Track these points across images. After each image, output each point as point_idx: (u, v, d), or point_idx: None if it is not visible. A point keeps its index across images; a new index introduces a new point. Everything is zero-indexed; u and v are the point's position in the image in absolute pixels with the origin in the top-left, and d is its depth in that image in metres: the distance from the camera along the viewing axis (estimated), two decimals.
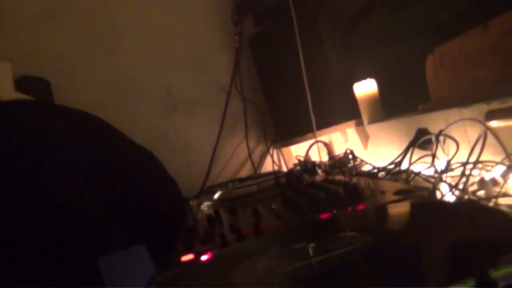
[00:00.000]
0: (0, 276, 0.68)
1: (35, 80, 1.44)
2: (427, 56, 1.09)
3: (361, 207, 0.63)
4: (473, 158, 0.79)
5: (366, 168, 1.16)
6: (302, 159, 1.35)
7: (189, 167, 1.64)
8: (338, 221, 0.56)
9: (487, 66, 0.86)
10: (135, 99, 1.66)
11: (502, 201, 0.70)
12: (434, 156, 0.88)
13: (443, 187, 0.79)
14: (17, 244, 0.70)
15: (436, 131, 0.92)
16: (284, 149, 1.71)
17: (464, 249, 0.33)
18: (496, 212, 0.45)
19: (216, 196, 1.10)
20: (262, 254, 0.44)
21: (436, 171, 0.86)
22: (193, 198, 1.32)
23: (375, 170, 1.05)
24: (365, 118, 1.33)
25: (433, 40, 1.18)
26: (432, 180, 0.82)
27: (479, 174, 0.78)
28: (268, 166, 1.72)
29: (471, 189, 0.76)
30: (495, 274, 0.24)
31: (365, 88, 1.33)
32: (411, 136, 0.98)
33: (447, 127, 0.90)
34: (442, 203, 0.61)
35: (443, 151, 0.91)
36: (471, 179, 0.77)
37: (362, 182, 0.74)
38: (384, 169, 1.01)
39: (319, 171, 1.07)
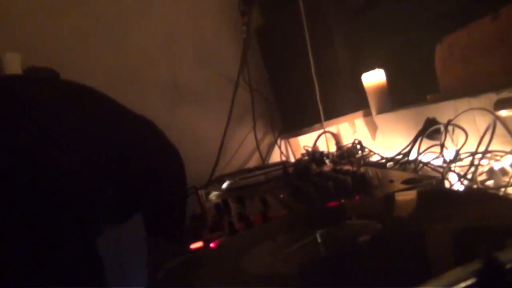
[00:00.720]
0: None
1: (44, 70, 1.45)
2: (436, 45, 1.09)
3: (368, 195, 0.63)
4: (482, 148, 0.79)
5: (374, 158, 1.15)
6: (310, 149, 1.35)
7: (197, 158, 1.65)
8: (346, 209, 0.57)
9: (496, 55, 0.85)
10: (142, 90, 1.66)
11: (511, 190, 0.69)
12: (442, 146, 0.88)
13: (452, 177, 0.79)
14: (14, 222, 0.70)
15: (445, 121, 0.92)
16: (292, 140, 1.71)
17: (471, 233, 0.33)
18: (503, 199, 0.45)
19: (224, 186, 1.10)
20: (270, 241, 0.44)
21: (444, 161, 0.86)
22: (201, 188, 1.33)
23: (383, 161, 1.05)
24: (373, 108, 1.33)
25: (442, 29, 1.17)
26: (441, 170, 0.82)
27: (488, 163, 0.78)
28: (276, 157, 1.72)
29: (480, 178, 0.76)
30: (502, 256, 0.24)
31: (374, 78, 1.32)
32: (419, 127, 0.98)
33: (456, 117, 0.90)
34: (450, 191, 0.61)
35: (452, 141, 0.90)
36: (480, 169, 0.77)
37: (370, 171, 0.74)
38: (392, 159, 1.01)
39: (327, 161, 1.07)
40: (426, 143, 0.94)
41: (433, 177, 0.68)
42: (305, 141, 1.59)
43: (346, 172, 0.80)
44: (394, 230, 0.40)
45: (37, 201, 0.68)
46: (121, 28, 1.62)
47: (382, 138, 1.33)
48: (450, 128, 0.90)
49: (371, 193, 0.66)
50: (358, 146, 1.13)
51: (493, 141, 0.78)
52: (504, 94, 0.79)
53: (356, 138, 1.27)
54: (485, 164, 0.78)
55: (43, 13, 1.53)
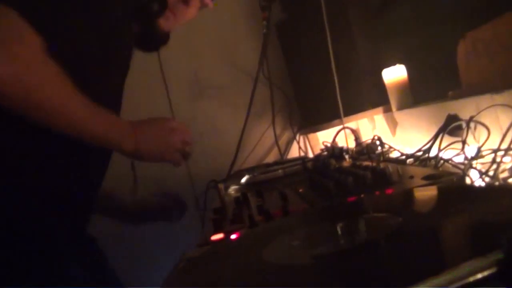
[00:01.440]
0: None
1: None
2: (459, 41, 1.07)
3: (389, 191, 0.64)
4: (504, 145, 0.78)
5: (394, 154, 1.15)
6: (329, 145, 1.35)
7: (217, 151, 1.66)
8: (365, 204, 0.57)
9: None
10: (163, 83, 1.68)
11: None
12: (464, 142, 0.87)
13: (473, 174, 0.78)
14: None
15: (467, 117, 0.91)
16: (311, 135, 1.71)
17: (491, 226, 0.33)
18: None
19: (243, 180, 1.11)
20: (290, 234, 0.45)
21: (466, 158, 0.85)
22: (220, 182, 1.34)
23: (403, 157, 1.04)
24: (393, 104, 1.32)
25: (465, 24, 1.15)
26: (462, 166, 0.81)
27: (511, 161, 0.77)
28: (294, 152, 1.73)
29: (502, 176, 0.75)
30: None
31: (394, 74, 1.31)
32: (440, 123, 0.97)
33: (478, 113, 0.89)
34: (470, 187, 0.60)
35: (474, 137, 0.89)
36: (502, 166, 0.76)
37: (390, 167, 0.74)
38: (412, 155, 1.01)
39: (346, 157, 1.07)
40: (447, 139, 0.93)
41: (454, 173, 0.68)
42: (324, 137, 1.59)
43: (366, 168, 0.80)
44: (414, 223, 0.40)
45: None
46: None
47: (402, 134, 1.32)
48: (472, 124, 0.89)
49: (391, 188, 0.66)
50: (378, 142, 1.12)
51: None
52: None
53: (376, 134, 1.26)
54: (508, 162, 0.77)
55: None
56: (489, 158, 0.81)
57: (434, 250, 0.31)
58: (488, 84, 0.92)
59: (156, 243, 1.61)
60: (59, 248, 0.76)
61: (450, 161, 0.87)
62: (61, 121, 0.70)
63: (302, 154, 1.70)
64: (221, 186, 0.92)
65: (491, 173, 0.76)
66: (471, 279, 0.24)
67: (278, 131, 1.72)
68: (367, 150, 1.12)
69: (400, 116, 1.31)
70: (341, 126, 1.38)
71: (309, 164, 1.06)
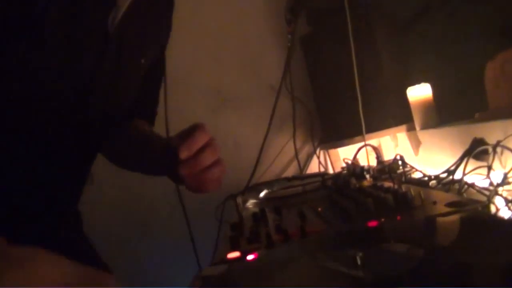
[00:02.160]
0: None
1: None
2: (487, 62, 1.05)
3: (410, 216, 0.62)
4: None
5: (416, 175, 1.13)
6: (349, 162, 1.34)
7: (236, 163, 1.66)
8: (386, 230, 0.56)
9: None
10: (187, 93, 1.70)
11: None
12: (490, 167, 0.85)
13: (498, 201, 0.76)
14: None
15: (493, 141, 0.88)
16: (331, 151, 1.69)
17: None
18: None
19: (262, 194, 1.11)
20: (308, 258, 0.44)
21: (491, 184, 0.83)
22: (238, 194, 1.34)
23: (426, 178, 1.02)
24: (417, 123, 1.30)
25: (494, 45, 1.13)
26: (487, 192, 0.79)
27: None
28: (314, 166, 1.71)
29: None
30: None
31: (419, 93, 1.29)
32: (465, 145, 0.95)
33: (505, 138, 0.86)
34: (497, 219, 0.58)
35: (500, 163, 0.87)
36: None
37: (412, 190, 0.73)
38: (435, 177, 0.99)
39: (367, 176, 1.06)
40: (472, 163, 0.91)
41: (479, 201, 0.66)
42: (344, 153, 1.57)
43: (387, 190, 0.78)
44: (437, 258, 0.39)
45: None
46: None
47: (425, 155, 1.29)
48: (498, 149, 0.87)
49: (412, 213, 0.65)
50: (400, 162, 1.10)
51: None
52: None
53: (398, 152, 1.24)
54: None
55: None
56: None
57: None
58: None
59: (173, 251, 1.62)
60: None
61: (474, 186, 0.85)
62: None
63: (322, 169, 1.69)
64: (239, 200, 0.92)
65: None
66: None
67: (298, 145, 1.71)
68: (388, 170, 1.10)
69: (423, 135, 1.29)
70: (362, 143, 1.37)
71: (329, 182, 1.04)
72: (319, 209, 0.82)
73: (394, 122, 1.42)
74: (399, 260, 0.37)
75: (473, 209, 0.61)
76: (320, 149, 1.72)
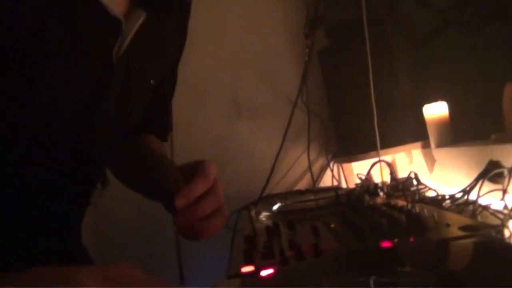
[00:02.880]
0: None
1: None
2: (507, 83, 1.05)
3: (423, 238, 0.63)
4: None
5: (429, 193, 1.13)
6: (363, 177, 1.35)
7: (250, 173, 1.68)
8: (399, 252, 0.57)
9: None
10: (203, 102, 1.72)
11: None
12: (505, 191, 0.85)
13: None
14: None
15: (509, 164, 0.88)
16: (345, 165, 1.70)
17: None
18: None
19: (275, 207, 1.12)
20: (322, 279, 0.45)
21: (505, 207, 0.83)
22: (251, 204, 1.36)
23: (439, 197, 1.02)
24: (432, 141, 1.30)
25: None
26: (501, 216, 0.79)
27: None
28: (327, 180, 1.72)
29: None
30: None
31: (436, 111, 1.29)
32: (480, 166, 0.95)
33: None
34: (510, 247, 0.59)
35: None
36: None
37: (426, 211, 0.73)
38: (450, 197, 0.99)
39: (381, 193, 1.07)
40: (487, 185, 0.91)
41: (494, 226, 0.66)
42: (358, 167, 1.57)
43: (401, 210, 0.79)
44: (450, 284, 0.40)
45: None
46: (187, 42, 1.69)
47: (440, 172, 1.29)
48: None
49: (425, 235, 0.65)
50: (414, 181, 1.11)
51: None
52: None
53: (412, 170, 1.25)
54: None
55: None
56: None
57: None
58: None
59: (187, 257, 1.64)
60: None
61: (489, 209, 0.85)
62: None
63: (335, 183, 1.70)
64: (253, 213, 0.93)
65: None
66: None
67: (312, 158, 1.72)
68: (402, 187, 1.10)
69: (438, 153, 1.29)
70: (377, 159, 1.37)
71: (343, 198, 1.05)
72: (332, 225, 0.83)
73: (409, 138, 1.42)
74: (411, 283, 0.38)
75: (486, 234, 0.61)
76: (334, 162, 1.73)
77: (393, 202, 0.92)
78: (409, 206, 0.83)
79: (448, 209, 0.93)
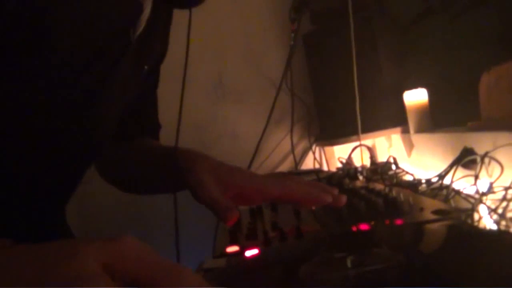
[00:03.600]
0: None
1: None
2: (483, 73, 1.09)
3: (398, 222, 0.67)
4: None
5: (407, 177, 1.17)
6: (344, 160, 1.38)
7: (233, 155, 1.70)
8: (376, 235, 0.60)
9: None
10: (187, 84, 1.72)
11: None
12: (477, 177, 0.89)
13: (482, 209, 0.81)
14: None
15: (483, 151, 0.93)
16: (327, 148, 1.74)
17: (500, 281, 0.36)
18: None
19: None
20: (304, 259, 0.49)
21: (477, 192, 0.87)
22: None
23: (416, 182, 1.07)
24: (412, 126, 1.34)
25: (493, 53, 1.16)
26: (472, 200, 0.84)
27: None
28: (309, 162, 1.76)
29: (510, 215, 0.78)
30: None
31: (416, 97, 1.33)
32: (456, 152, 0.99)
33: (494, 149, 0.91)
34: (482, 231, 0.63)
35: (487, 172, 0.91)
36: None
37: (402, 195, 0.77)
38: (425, 181, 1.03)
39: (360, 177, 1.11)
40: (460, 171, 0.95)
41: (464, 210, 0.71)
42: (340, 150, 1.61)
43: (379, 193, 0.83)
44: (415, 267, 0.44)
45: None
46: (173, 23, 1.69)
47: (418, 157, 1.34)
48: (486, 160, 0.91)
49: (400, 219, 0.69)
50: (393, 166, 1.15)
51: None
52: None
53: (391, 154, 1.29)
54: None
55: None
56: (500, 195, 0.83)
57: None
58: (507, 121, 0.93)
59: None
60: None
61: (461, 194, 0.90)
62: None
63: (317, 165, 1.73)
64: None
65: (500, 210, 0.78)
66: None
67: (295, 141, 1.75)
68: (381, 171, 1.14)
69: (417, 139, 1.34)
70: (357, 143, 1.41)
71: (324, 181, 1.09)
72: (313, 208, 0.86)
73: (389, 123, 1.47)
74: (382, 265, 0.42)
75: (457, 218, 0.65)
76: (316, 145, 1.76)
77: (371, 185, 0.96)
78: (387, 190, 0.87)
79: (423, 193, 0.98)
